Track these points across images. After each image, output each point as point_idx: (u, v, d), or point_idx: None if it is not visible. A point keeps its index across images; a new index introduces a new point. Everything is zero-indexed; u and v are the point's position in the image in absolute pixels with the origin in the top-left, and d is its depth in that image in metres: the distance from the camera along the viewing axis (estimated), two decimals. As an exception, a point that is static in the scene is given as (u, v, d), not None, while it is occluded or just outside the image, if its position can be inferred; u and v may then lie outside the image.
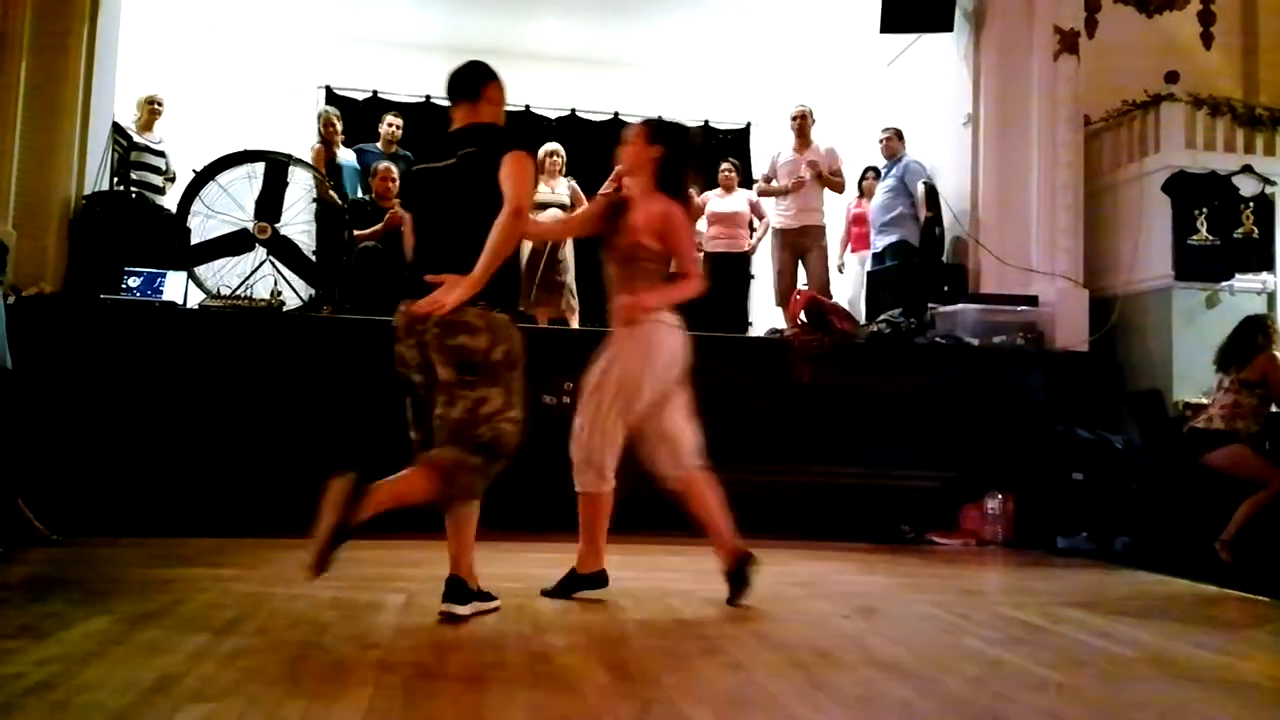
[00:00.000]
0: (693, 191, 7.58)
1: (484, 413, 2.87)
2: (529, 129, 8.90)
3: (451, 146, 3.03)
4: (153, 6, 7.30)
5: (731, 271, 7.56)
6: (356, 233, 6.22)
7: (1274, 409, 5.00)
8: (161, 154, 6.79)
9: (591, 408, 3.32)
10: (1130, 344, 6.19)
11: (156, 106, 6.78)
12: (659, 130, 3.46)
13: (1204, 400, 5.33)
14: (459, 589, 2.96)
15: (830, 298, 6.63)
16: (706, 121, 9.89)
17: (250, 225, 5.74)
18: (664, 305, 3.35)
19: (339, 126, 7.08)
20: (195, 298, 5.58)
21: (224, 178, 5.94)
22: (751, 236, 7.62)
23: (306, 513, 2.75)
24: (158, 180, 6.72)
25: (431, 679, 2.31)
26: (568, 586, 3.36)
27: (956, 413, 5.70)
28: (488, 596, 3.07)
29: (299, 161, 6.27)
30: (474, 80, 3.14)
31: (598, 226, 3.50)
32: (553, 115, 9.44)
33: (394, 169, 6.48)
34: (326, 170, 6.67)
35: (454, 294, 2.79)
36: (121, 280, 5.39)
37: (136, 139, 6.65)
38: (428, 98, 8.73)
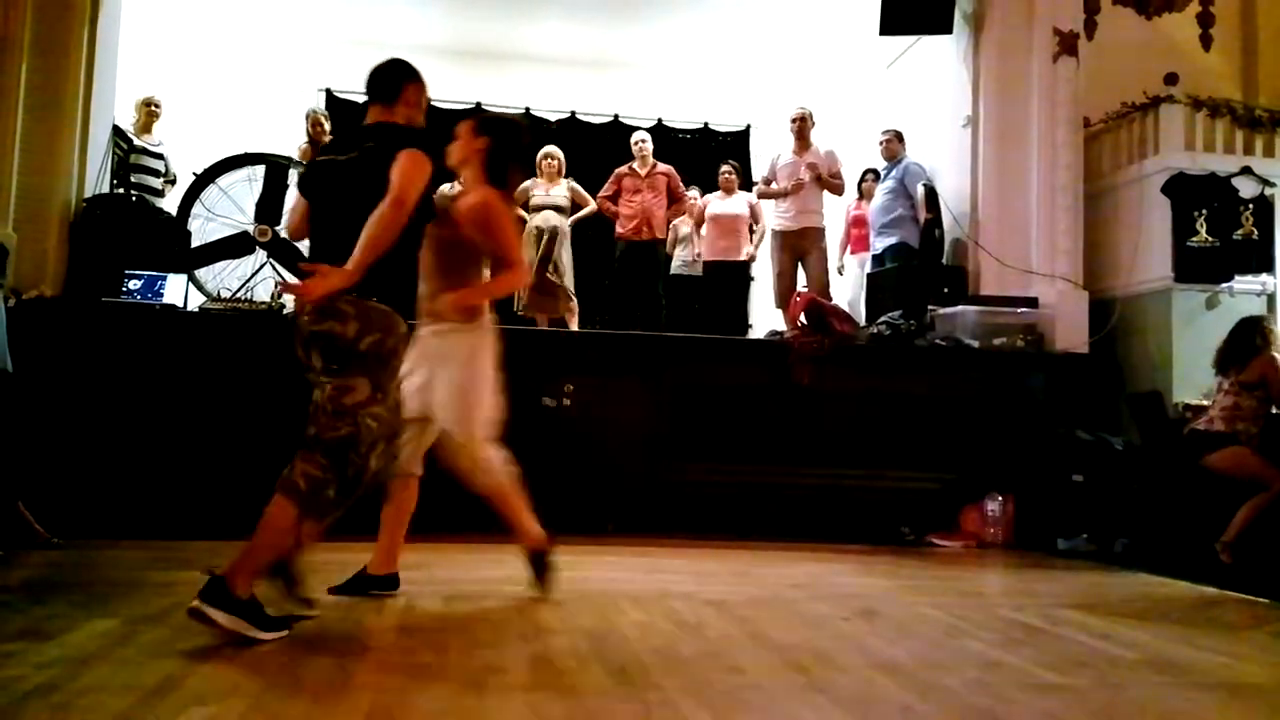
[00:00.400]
0: (694, 192, 7.83)
1: (347, 402, 2.75)
2: (530, 130, 8.90)
3: (358, 140, 2.97)
4: (153, 9, 7.31)
5: (731, 274, 7.58)
6: None
7: (1274, 410, 5.00)
8: (160, 156, 6.79)
9: (454, 421, 3.27)
10: (1130, 346, 6.19)
11: (154, 108, 6.79)
12: (485, 123, 3.51)
13: (1204, 402, 5.33)
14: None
15: (830, 300, 6.63)
16: (706, 123, 9.93)
17: (250, 228, 5.74)
18: (486, 298, 3.35)
19: (327, 126, 7.04)
20: (196, 300, 5.59)
21: (224, 180, 5.96)
22: (751, 239, 7.62)
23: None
24: (156, 183, 6.72)
25: (431, 680, 2.31)
26: (540, 568, 3.41)
27: (956, 414, 5.70)
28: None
29: (299, 164, 6.28)
30: (392, 81, 3.04)
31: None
32: (553, 117, 9.46)
33: None
34: None
35: (324, 283, 2.70)
36: (122, 283, 5.40)
37: (136, 141, 6.65)
38: (427, 101, 8.73)
